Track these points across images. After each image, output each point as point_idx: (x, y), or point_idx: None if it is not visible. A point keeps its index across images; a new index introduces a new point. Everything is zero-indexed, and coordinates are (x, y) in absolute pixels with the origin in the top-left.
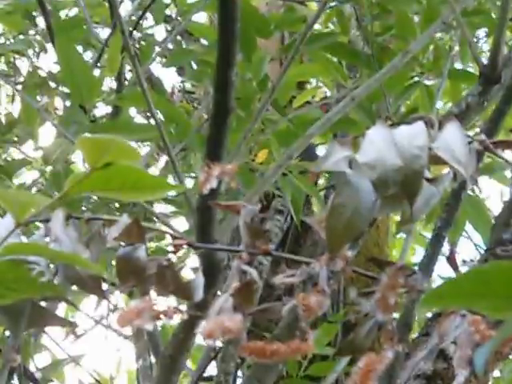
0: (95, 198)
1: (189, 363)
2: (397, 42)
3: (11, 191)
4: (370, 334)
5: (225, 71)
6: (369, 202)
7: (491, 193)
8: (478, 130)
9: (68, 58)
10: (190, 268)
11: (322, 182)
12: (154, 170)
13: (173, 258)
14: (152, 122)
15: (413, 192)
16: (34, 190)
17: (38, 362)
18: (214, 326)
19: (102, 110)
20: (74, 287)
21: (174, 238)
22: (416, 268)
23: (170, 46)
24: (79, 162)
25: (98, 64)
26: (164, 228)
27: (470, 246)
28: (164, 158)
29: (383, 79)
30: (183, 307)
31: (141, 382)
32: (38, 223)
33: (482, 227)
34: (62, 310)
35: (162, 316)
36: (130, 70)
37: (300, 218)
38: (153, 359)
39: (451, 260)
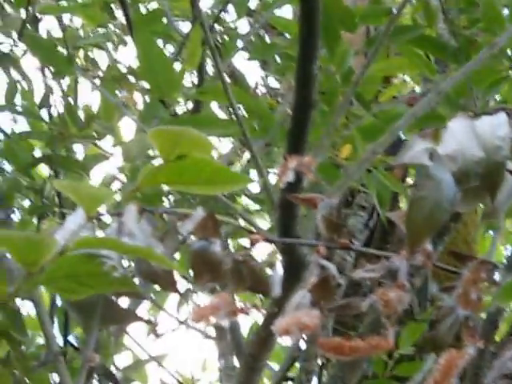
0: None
1: (273, 363)
2: (484, 36)
3: (82, 184)
4: (451, 330)
5: (306, 65)
6: (450, 195)
7: None
8: None
9: (147, 52)
10: (273, 264)
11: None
12: (237, 167)
13: (254, 253)
14: (234, 117)
15: (494, 184)
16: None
17: (119, 361)
18: (290, 322)
19: (184, 105)
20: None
21: (250, 232)
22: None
23: (253, 39)
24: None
25: (179, 58)
26: (244, 223)
27: None
28: (247, 155)
29: (470, 73)
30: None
31: (223, 382)
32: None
33: None
34: (144, 309)
35: (238, 313)
36: (212, 65)
37: (385, 215)
38: (235, 359)
39: None
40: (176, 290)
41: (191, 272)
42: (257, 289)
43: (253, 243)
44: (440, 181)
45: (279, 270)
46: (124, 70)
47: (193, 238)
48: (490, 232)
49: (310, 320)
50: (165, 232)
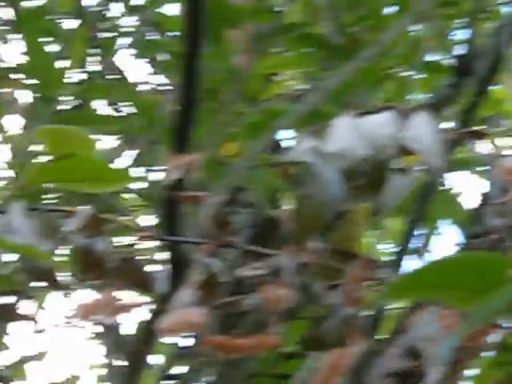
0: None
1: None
2: (369, 34)
3: None
4: (335, 329)
5: (191, 62)
6: (336, 193)
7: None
8: (450, 121)
9: (31, 49)
10: (157, 262)
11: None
12: (121, 163)
13: (137, 251)
14: (119, 114)
15: (379, 182)
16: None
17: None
18: (176, 320)
19: (69, 103)
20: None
21: (138, 230)
22: (385, 262)
23: (139, 37)
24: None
25: (63, 56)
26: (129, 221)
27: (444, 242)
28: (132, 152)
29: (355, 71)
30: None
31: (107, 379)
32: None
33: (457, 221)
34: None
35: (123, 310)
36: (97, 62)
37: (268, 212)
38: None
39: (421, 254)
40: (57, 287)
41: (76, 269)
42: (141, 286)
43: (140, 240)
44: (325, 179)
45: (164, 267)
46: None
47: (77, 235)
48: (374, 230)
49: (196, 318)
50: (49, 229)
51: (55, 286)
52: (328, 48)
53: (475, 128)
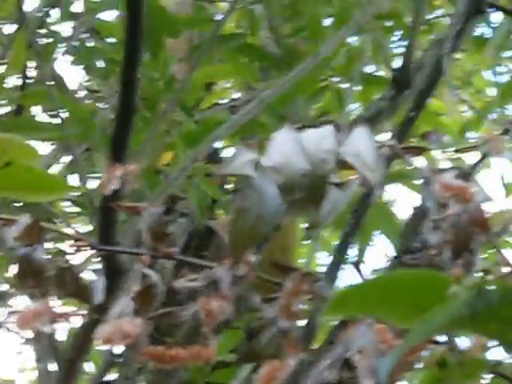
0: None
1: (91, 367)
2: (307, 45)
3: None
4: (272, 341)
5: (130, 70)
6: (273, 207)
7: (399, 199)
8: (388, 134)
9: None
10: (92, 270)
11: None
12: (56, 170)
13: (73, 259)
14: (56, 121)
15: (319, 197)
16: None
17: None
18: (113, 329)
19: (6, 108)
20: None
21: (75, 239)
22: (321, 275)
23: (76, 43)
24: None
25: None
26: (65, 229)
27: (378, 254)
28: (67, 158)
29: (293, 82)
30: (84, 310)
31: None
32: None
33: (391, 234)
34: None
35: (60, 319)
36: (35, 68)
37: (204, 222)
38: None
39: (357, 267)
40: None
41: (13, 276)
42: (78, 295)
43: (76, 249)
44: (263, 192)
45: (100, 276)
46: None
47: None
48: (309, 241)
49: (133, 328)
50: None
51: None
52: (266, 59)
53: (412, 142)
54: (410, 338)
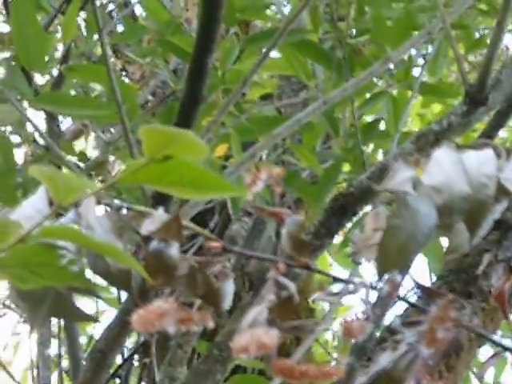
0: None
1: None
2: (371, 48)
3: (58, 172)
4: (409, 367)
5: (202, 58)
6: (426, 227)
7: None
8: None
9: (21, 19)
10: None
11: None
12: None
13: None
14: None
15: (477, 222)
16: None
17: None
18: (250, 339)
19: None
20: None
21: (207, 239)
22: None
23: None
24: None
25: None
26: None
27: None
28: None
29: (358, 85)
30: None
31: (40, 369)
32: None
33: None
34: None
35: (187, 322)
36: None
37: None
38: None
39: None
40: (130, 291)
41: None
42: (207, 298)
43: (210, 251)
44: (418, 212)
45: (231, 282)
46: None
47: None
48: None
49: (269, 339)
50: (121, 228)
51: (129, 289)
52: (325, 58)
53: None
54: None
